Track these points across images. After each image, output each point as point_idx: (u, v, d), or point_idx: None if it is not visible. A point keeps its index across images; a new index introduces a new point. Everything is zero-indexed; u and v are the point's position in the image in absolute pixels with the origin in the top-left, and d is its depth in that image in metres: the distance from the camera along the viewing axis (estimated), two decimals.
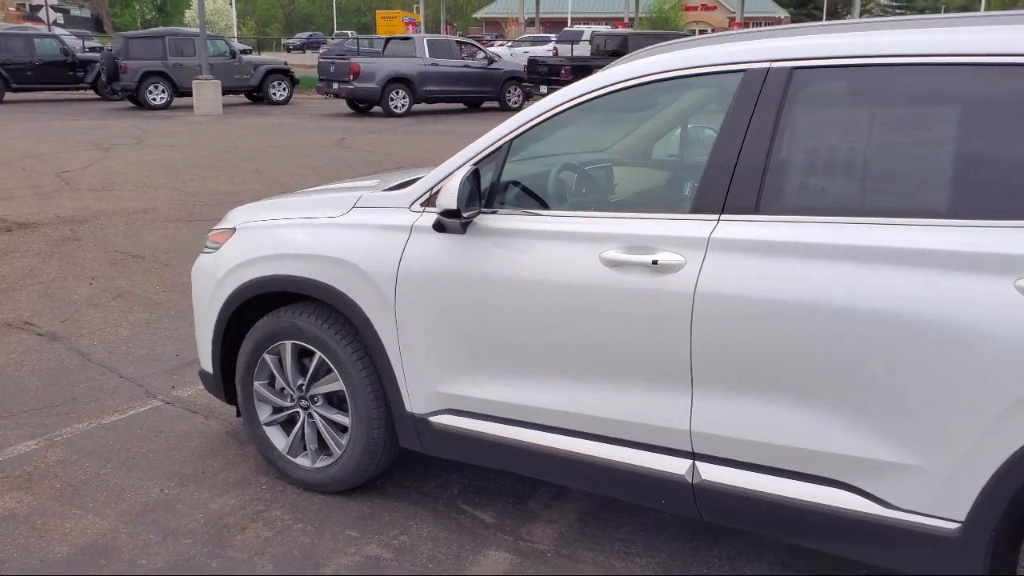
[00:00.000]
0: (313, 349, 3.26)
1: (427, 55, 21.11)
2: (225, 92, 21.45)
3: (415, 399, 3.07)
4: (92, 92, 24.41)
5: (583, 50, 26.05)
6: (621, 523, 3.19)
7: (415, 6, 49.65)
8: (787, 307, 2.36)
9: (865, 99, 2.48)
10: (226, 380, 3.60)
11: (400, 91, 20.49)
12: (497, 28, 55.03)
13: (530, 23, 47.42)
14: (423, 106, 21.85)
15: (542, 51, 30.37)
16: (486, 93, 22.23)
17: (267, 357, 3.40)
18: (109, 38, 32.55)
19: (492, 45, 34.20)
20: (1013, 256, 2.11)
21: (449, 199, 2.80)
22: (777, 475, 2.46)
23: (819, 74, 2.47)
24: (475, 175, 2.83)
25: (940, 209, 2.26)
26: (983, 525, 2.19)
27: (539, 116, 2.87)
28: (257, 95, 23.51)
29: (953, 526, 2.23)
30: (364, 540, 3.09)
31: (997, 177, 2.22)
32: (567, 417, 2.78)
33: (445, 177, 2.96)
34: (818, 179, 2.51)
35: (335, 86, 20.85)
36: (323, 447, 3.39)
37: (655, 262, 2.54)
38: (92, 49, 26.16)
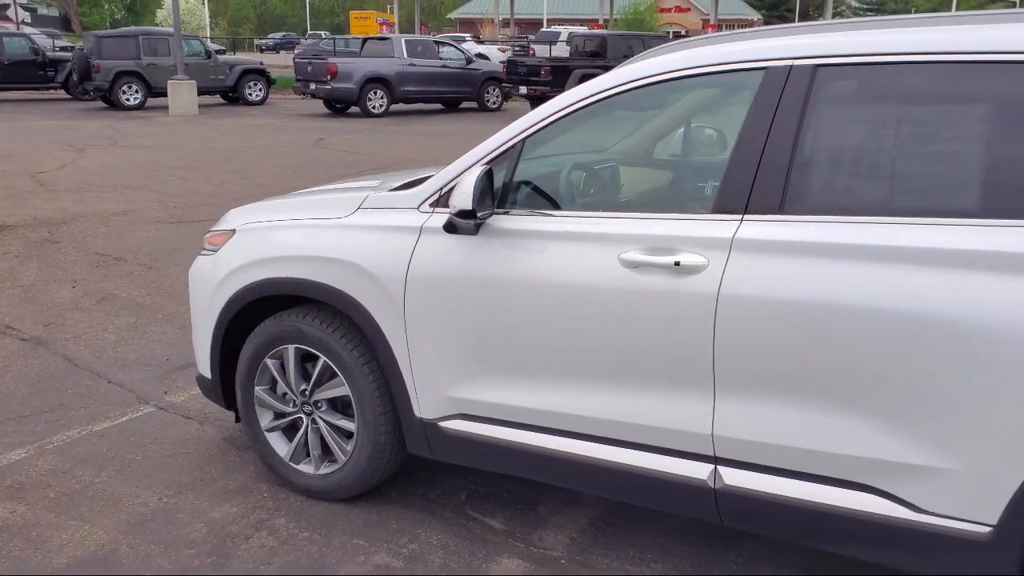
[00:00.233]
0: (317, 353, 3.18)
1: (405, 55, 21.01)
2: (200, 92, 21.19)
3: (424, 404, 3.00)
4: (63, 92, 24.07)
5: (561, 51, 26.04)
6: (633, 528, 3.14)
7: (389, 7, 49.48)
8: (813, 308, 2.32)
9: (890, 97, 2.44)
10: (225, 385, 3.51)
11: (378, 91, 20.38)
12: (472, 29, 54.84)
13: (505, 24, 47.37)
14: (401, 106, 21.75)
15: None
16: (464, 93, 22.19)
17: (269, 361, 3.31)
18: (79, 37, 32.10)
19: (479, 44, 33.96)
20: None
21: (463, 199, 2.73)
22: (802, 479, 2.42)
23: (843, 72, 2.44)
24: (488, 175, 2.77)
25: (970, 208, 2.22)
26: (1016, 529, 2.16)
27: (553, 114, 2.81)
28: (233, 96, 23.26)
29: (985, 530, 2.20)
30: (372, 548, 3.02)
31: None
32: (584, 421, 2.73)
33: (455, 177, 2.90)
34: (843, 178, 2.47)
35: (312, 86, 20.67)
36: (327, 453, 3.31)
37: (678, 263, 2.49)
38: (62, 48, 25.80)
